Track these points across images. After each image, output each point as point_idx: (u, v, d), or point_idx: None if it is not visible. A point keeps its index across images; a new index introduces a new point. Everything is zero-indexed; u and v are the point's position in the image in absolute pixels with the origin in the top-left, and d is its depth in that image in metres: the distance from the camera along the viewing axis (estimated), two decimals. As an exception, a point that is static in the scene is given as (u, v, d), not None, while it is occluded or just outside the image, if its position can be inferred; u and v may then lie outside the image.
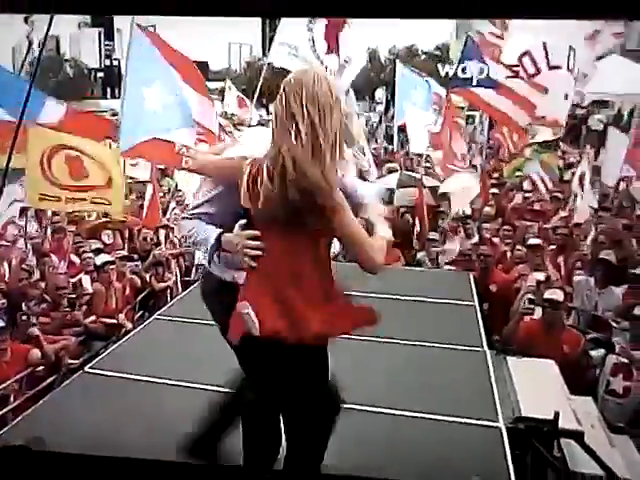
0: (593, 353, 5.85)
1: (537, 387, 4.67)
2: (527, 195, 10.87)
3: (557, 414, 3.97)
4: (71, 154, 6.96)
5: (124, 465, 2.06)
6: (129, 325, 6.67)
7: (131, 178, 10.67)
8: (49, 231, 8.51)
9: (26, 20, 27.88)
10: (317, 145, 2.57)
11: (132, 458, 2.09)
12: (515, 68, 9.81)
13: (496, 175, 12.64)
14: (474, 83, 9.41)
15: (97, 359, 5.11)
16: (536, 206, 9.99)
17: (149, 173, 9.15)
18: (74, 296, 6.65)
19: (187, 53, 8.31)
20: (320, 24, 9.38)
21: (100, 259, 7.07)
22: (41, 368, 5.79)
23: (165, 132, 7.26)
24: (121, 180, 7.39)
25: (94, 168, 7.03)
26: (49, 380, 5.52)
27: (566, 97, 10.09)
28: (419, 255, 8.30)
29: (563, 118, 10.47)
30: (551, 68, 9.73)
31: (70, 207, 7.39)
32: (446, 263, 8.08)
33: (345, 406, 3.93)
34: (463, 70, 9.59)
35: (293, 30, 9.49)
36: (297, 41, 9.42)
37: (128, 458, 2.09)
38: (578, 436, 3.97)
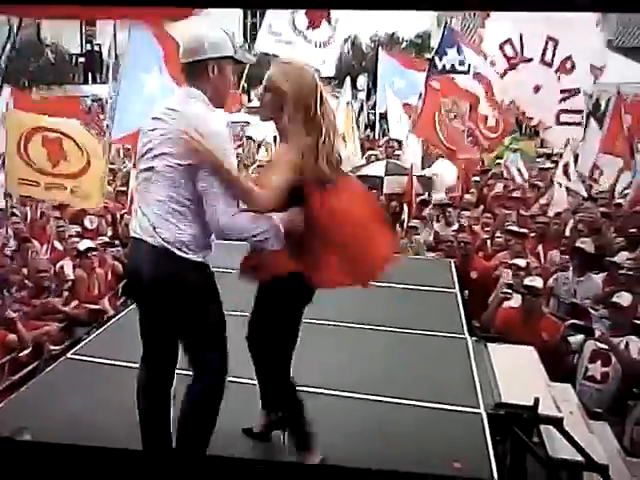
0: (572, 339, 5.88)
1: (517, 373, 4.68)
2: (507, 183, 10.89)
3: (537, 400, 3.98)
4: (49, 136, 6.82)
5: (108, 454, 2.04)
6: (111, 311, 6.60)
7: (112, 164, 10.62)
8: (30, 216, 8.41)
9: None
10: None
11: (117, 448, 2.06)
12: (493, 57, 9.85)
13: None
14: (451, 69, 9.44)
15: (80, 345, 5.08)
16: (516, 194, 10.00)
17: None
18: (56, 282, 6.58)
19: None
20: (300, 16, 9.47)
21: (83, 245, 6.98)
22: (24, 354, 5.72)
23: None
24: (103, 170, 7.25)
25: (74, 150, 6.90)
26: (31, 367, 5.47)
27: (537, 90, 10.11)
28: (401, 242, 8.28)
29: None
30: (524, 61, 9.75)
31: (48, 195, 7.24)
32: (427, 250, 8.08)
33: (327, 392, 3.97)
34: (441, 58, 9.60)
35: (276, 18, 9.51)
36: (280, 27, 9.43)
37: (113, 448, 2.06)
38: (557, 422, 3.99)
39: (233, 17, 30.48)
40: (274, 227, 3.05)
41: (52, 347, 5.83)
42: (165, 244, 2.97)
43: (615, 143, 10.37)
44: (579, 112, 9.90)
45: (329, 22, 9.87)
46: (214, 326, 3.12)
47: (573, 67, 9.68)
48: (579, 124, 9.96)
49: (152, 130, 3.07)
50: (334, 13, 9.68)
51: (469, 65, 9.80)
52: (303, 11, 9.34)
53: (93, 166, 6.95)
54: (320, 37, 9.81)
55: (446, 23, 10.56)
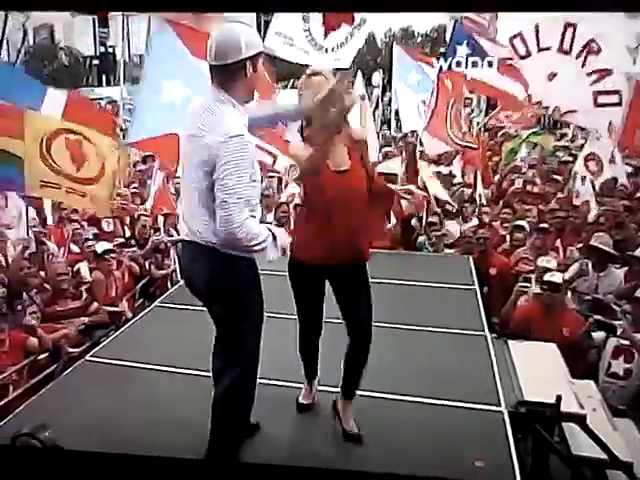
0: (594, 335, 5.83)
1: (538, 371, 4.66)
2: (526, 178, 10.82)
3: (559, 398, 3.96)
4: (71, 138, 6.85)
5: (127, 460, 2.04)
6: (129, 313, 6.65)
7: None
8: (50, 220, 8.47)
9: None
10: None
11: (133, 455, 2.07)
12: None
13: (496, 159, 12.58)
14: (466, 65, 9.39)
15: (98, 348, 5.12)
16: (535, 189, 9.94)
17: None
18: (74, 285, 6.62)
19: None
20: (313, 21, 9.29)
21: (101, 247, 7.00)
22: (43, 357, 5.77)
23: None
24: (114, 173, 7.28)
25: (92, 153, 6.94)
26: (50, 369, 5.52)
27: (552, 78, 10.04)
28: (420, 239, 8.26)
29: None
30: (540, 50, 9.68)
31: (68, 199, 7.27)
32: (445, 246, 8.04)
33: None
34: (454, 53, 9.55)
35: (288, 20, 9.36)
36: (292, 31, 9.29)
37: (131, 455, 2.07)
38: (580, 419, 3.97)
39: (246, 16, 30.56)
40: (273, 236, 3.18)
41: (70, 350, 5.86)
42: (210, 244, 3.12)
43: (634, 137, 10.24)
44: (615, 92, 9.75)
45: (352, 23, 9.59)
46: (257, 316, 3.32)
47: (599, 50, 9.57)
48: (618, 104, 9.79)
49: (190, 138, 3.16)
50: (358, 15, 9.48)
51: (485, 58, 9.72)
52: (319, 19, 9.21)
53: (107, 170, 6.99)
54: (338, 39, 9.62)
55: (456, 20, 10.49)
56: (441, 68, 9.89)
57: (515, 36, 10.00)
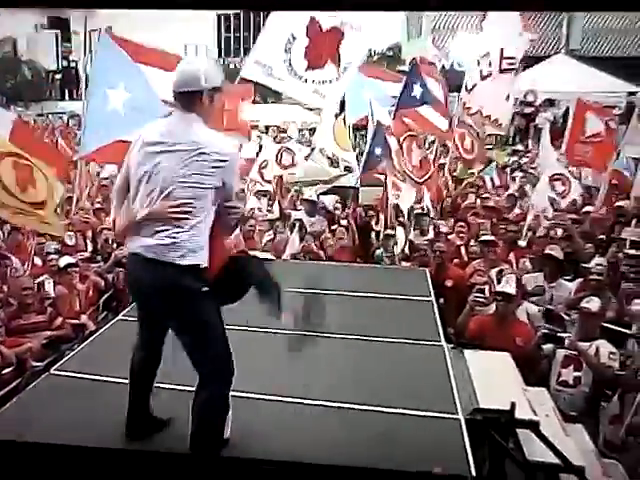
0: (544, 347, 5.93)
1: (493, 379, 4.72)
2: (480, 193, 10.97)
3: (513, 405, 4.02)
4: (19, 162, 6.80)
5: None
6: (92, 326, 6.55)
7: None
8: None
9: (-18, 21, 27.36)
10: None
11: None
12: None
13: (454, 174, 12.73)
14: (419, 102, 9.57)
15: (62, 361, 5.04)
16: (489, 203, 10.08)
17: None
18: (38, 299, 6.51)
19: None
20: (299, 44, 9.21)
21: (63, 261, 6.92)
22: (7, 371, 5.68)
23: (129, 133, 7.15)
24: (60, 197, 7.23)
25: (41, 179, 6.90)
26: (14, 384, 5.41)
27: (507, 98, 10.30)
28: (377, 252, 8.32)
29: (505, 117, 10.68)
30: (502, 71, 9.93)
31: (15, 220, 7.21)
32: (402, 259, 8.11)
33: (305, 402, 3.98)
34: (410, 93, 9.72)
35: (268, 50, 9.29)
36: (272, 61, 9.22)
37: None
38: (534, 426, 4.03)
39: (208, 31, 30.55)
40: None
41: (34, 363, 5.76)
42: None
43: (575, 152, 10.51)
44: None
45: (337, 64, 9.54)
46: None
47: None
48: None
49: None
50: (344, 56, 9.45)
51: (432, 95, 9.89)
52: (301, 52, 9.19)
53: (55, 197, 6.96)
54: (321, 76, 9.56)
55: (413, 60, 10.68)
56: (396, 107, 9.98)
57: (484, 56, 10.29)
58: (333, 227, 8.93)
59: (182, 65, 3.48)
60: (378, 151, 9.17)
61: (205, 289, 3.32)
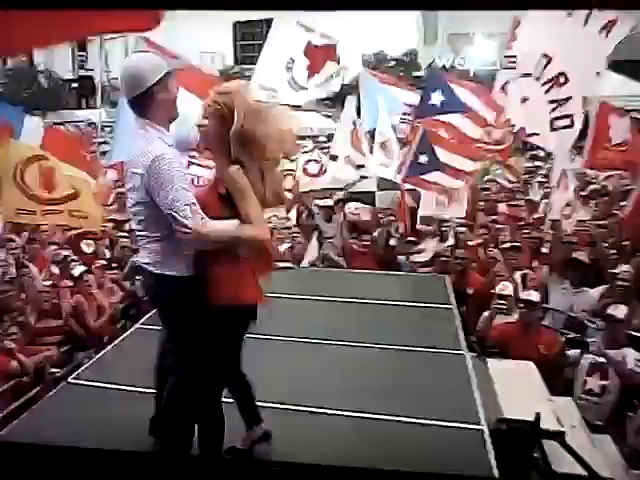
0: (569, 352, 5.87)
1: (517, 388, 4.67)
2: (499, 197, 10.87)
3: (538, 415, 3.96)
4: (44, 164, 6.86)
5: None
6: (110, 334, 6.56)
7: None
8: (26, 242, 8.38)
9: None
10: None
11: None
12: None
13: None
14: (440, 111, 9.48)
15: (80, 369, 5.06)
16: (509, 209, 9.99)
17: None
18: (55, 307, 6.55)
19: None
20: (299, 64, 9.22)
21: (77, 270, 6.95)
22: (26, 379, 5.73)
23: None
24: (91, 190, 7.27)
25: (65, 182, 6.95)
26: (32, 392, 5.45)
27: (523, 101, 10.16)
28: (400, 259, 8.29)
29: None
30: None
31: (47, 220, 7.26)
32: (421, 266, 8.06)
33: (327, 412, 3.94)
34: (428, 101, 9.64)
35: (269, 74, 9.30)
36: (275, 83, 9.23)
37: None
38: (560, 436, 3.98)
39: (226, 38, 30.68)
40: None
41: (52, 370, 5.84)
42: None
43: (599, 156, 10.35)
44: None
45: (336, 60, 9.54)
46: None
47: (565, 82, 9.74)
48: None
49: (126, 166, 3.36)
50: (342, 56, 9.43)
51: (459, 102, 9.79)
52: (303, 68, 9.19)
53: (84, 193, 7.00)
54: (320, 78, 9.58)
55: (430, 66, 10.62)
56: (416, 114, 9.90)
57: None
58: (354, 234, 8.88)
59: (122, 71, 3.29)
60: (423, 159, 9.11)
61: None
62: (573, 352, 5.86)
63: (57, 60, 29.97)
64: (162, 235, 3.22)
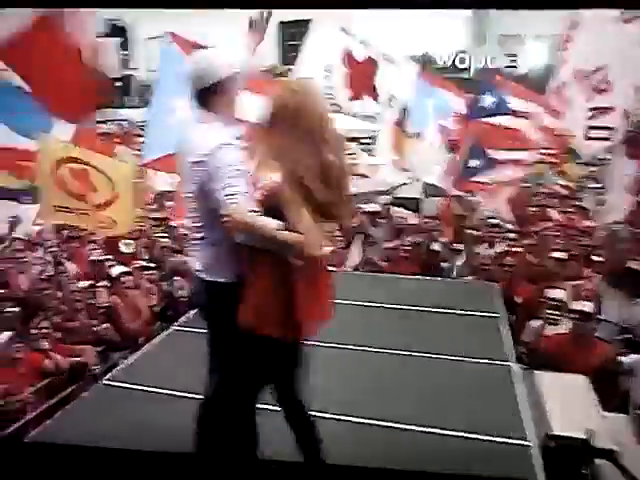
0: (624, 359, 5.65)
1: (568, 403, 4.51)
2: (550, 203, 10.64)
3: (590, 432, 3.82)
4: (76, 167, 6.92)
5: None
6: (146, 335, 6.57)
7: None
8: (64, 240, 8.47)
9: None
10: None
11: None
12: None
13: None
14: (490, 113, 9.35)
15: (114, 371, 5.08)
16: (561, 216, 9.77)
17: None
18: (90, 307, 6.58)
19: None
20: (338, 74, 9.12)
21: (116, 270, 6.98)
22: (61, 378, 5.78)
23: None
24: (130, 197, 7.29)
25: (102, 182, 6.99)
26: (65, 392, 5.48)
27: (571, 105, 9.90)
28: (444, 265, 8.16)
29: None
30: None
31: (81, 221, 7.33)
32: (469, 273, 7.93)
33: (370, 422, 3.86)
34: (478, 103, 9.51)
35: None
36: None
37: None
38: (612, 455, 3.82)
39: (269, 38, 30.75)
40: None
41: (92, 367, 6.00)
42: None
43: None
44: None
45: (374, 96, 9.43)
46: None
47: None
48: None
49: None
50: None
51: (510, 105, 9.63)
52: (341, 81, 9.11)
53: (122, 195, 7.02)
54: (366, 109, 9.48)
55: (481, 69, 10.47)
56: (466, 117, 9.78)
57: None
58: (397, 239, 8.78)
59: (193, 62, 3.37)
60: (474, 163, 8.99)
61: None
62: (628, 359, 5.63)
63: (102, 58, 30.47)
64: (215, 239, 3.18)
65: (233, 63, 3.33)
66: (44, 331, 5.97)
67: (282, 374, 3.30)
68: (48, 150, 6.92)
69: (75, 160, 6.88)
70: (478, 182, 8.99)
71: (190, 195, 3.24)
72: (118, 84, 31.03)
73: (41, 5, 5.28)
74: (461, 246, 8.42)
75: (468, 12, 28.76)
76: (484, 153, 8.90)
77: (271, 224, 2.94)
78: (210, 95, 3.24)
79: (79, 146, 7.17)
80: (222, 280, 3.18)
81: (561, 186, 11.76)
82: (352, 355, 5.16)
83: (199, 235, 3.27)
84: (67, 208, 6.90)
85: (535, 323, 6.33)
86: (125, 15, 26.95)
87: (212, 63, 3.26)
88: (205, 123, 3.24)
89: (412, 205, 10.02)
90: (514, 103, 9.57)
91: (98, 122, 23.03)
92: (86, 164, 6.89)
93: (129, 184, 7.15)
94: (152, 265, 7.75)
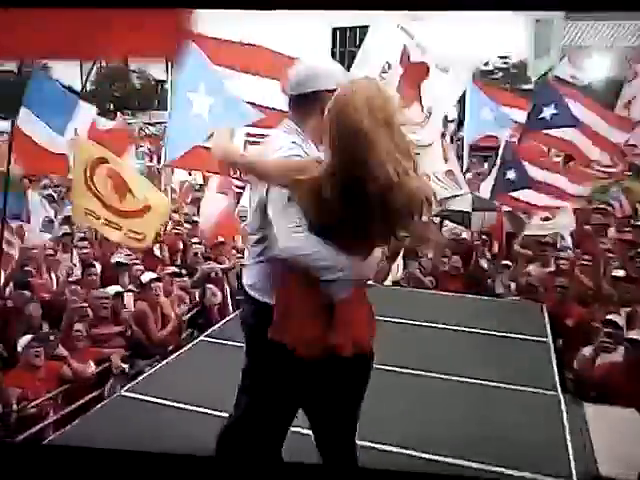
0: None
1: (617, 440, 4.27)
2: (610, 221, 10.27)
3: (641, 475, 3.57)
4: (113, 168, 6.91)
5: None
6: (176, 345, 6.47)
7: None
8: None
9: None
10: None
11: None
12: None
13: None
14: (551, 125, 9.11)
15: (134, 382, 5.02)
16: (621, 235, 9.40)
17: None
18: (114, 311, 6.53)
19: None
20: (393, 72, 8.94)
21: (146, 277, 6.88)
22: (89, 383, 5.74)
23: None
24: (163, 205, 7.30)
25: (135, 186, 6.98)
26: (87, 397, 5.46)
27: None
28: (491, 282, 7.94)
29: None
30: None
31: (104, 230, 7.33)
32: (517, 293, 7.67)
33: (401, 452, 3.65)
34: (538, 115, 9.28)
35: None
36: None
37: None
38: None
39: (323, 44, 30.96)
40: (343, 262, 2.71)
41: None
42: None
43: None
44: None
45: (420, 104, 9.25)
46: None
47: None
48: None
49: None
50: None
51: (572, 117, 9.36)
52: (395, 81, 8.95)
53: (154, 208, 7.02)
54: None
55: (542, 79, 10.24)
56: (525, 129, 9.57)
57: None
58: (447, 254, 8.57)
59: (299, 65, 3.05)
60: (511, 175, 8.77)
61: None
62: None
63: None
64: (266, 256, 2.93)
65: (339, 77, 2.90)
66: (71, 335, 5.95)
67: (319, 401, 2.99)
68: (82, 149, 6.94)
69: (109, 160, 6.90)
70: (514, 198, 8.78)
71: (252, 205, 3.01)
72: (167, 86, 31.55)
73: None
74: (509, 263, 8.19)
75: (531, 20, 28.58)
76: (521, 166, 8.71)
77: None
78: (302, 104, 2.92)
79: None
80: (269, 302, 2.92)
81: (622, 204, 11.39)
82: (388, 378, 4.96)
83: (254, 250, 3.02)
84: (96, 214, 6.91)
85: (587, 350, 6.03)
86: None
87: (318, 70, 2.93)
88: (285, 132, 2.92)
89: (461, 219, 9.79)
90: (577, 116, 9.32)
91: (146, 124, 23.37)
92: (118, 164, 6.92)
93: (159, 194, 7.18)
94: (184, 271, 7.66)
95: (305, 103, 2.91)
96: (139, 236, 7.01)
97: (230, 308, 7.45)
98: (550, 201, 8.72)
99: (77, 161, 6.95)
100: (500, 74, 29.68)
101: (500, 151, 9.23)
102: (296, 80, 2.94)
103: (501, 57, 29.85)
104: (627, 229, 9.70)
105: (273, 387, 2.94)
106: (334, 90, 2.70)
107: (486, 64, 29.53)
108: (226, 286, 7.67)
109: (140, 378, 5.13)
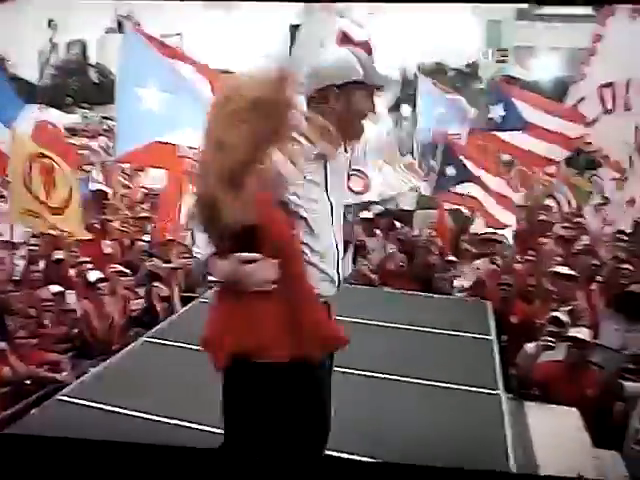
0: (628, 384, 5.30)
1: (557, 439, 4.23)
2: (557, 219, 10.29)
3: (580, 477, 3.54)
4: (46, 163, 6.72)
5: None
6: (121, 344, 6.27)
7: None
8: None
9: (49, 24, 28.21)
10: None
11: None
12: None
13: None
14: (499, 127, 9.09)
15: (71, 385, 4.80)
16: (561, 232, 9.42)
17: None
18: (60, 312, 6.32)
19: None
20: None
21: (93, 275, 6.70)
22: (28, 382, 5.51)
23: (166, 134, 7.00)
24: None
25: (61, 179, 6.86)
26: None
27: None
28: (439, 280, 7.88)
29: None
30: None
31: (44, 228, 7.17)
32: (460, 290, 7.61)
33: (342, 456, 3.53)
34: (487, 114, 9.28)
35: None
36: None
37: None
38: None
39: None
40: None
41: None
42: None
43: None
44: None
45: None
46: None
47: None
48: None
49: None
50: None
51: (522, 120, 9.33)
52: None
53: (74, 197, 6.92)
54: None
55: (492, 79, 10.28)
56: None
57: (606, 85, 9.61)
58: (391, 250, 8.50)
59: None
60: (450, 171, 8.73)
61: None
62: (631, 385, 5.29)
63: (110, 54, 30.43)
64: None
65: (354, 67, 2.65)
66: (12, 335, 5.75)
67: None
68: (20, 148, 6.73)
69: (43, 155, 6.70)
70: (456, 193, 8.76)
71: None
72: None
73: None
74: (455, 259, 8.15)
75: (483, 20, 28.78)
76: (460, 161, 8.68)
77: None
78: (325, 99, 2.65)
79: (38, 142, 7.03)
80: None
81: (569, 200, 11.45)
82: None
83: None
84: (34, 212, 6.71)
85: (530, 347, 5.98)
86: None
87: (329, 64, 2.69)
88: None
89: (408, 217, 9.76)
90: (526, 115, 9.29)
91: (104, 118, 22.94)
92: (50, 159, 6.74)
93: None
94: (127, 271, 7.43)
95: (318, 97, 2.68)
96: (65, 233, 6.89)
97: (178, 307, 7.25)
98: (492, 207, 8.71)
99: (14, 159, 6.72)
100: (452, 73, 29.84)
101: (441, 147, 9.20)
102: (310, 74, 2.69)
103: (453, 57, 30.03)
104: (570, 225, 9.73)
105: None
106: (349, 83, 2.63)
107: (438, 63, 29.67)
108: (174, 284, 7.44)
109: (78, 381, 4.93)
